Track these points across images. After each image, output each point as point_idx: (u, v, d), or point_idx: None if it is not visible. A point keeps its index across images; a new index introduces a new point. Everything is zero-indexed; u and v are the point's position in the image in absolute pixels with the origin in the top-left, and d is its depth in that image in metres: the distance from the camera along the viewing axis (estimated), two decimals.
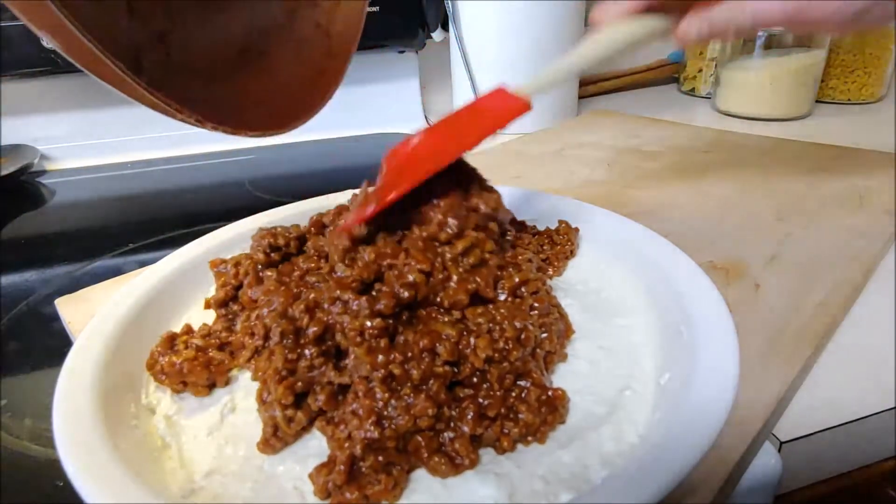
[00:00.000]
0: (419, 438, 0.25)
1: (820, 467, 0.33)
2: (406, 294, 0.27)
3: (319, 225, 0.37)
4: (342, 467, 0.23)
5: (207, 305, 0.35)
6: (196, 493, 0.24)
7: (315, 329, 0.27)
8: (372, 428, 0.24)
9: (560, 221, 0.40)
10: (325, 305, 0.28)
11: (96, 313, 0.31)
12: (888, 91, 0.88)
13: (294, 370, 0.27)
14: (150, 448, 0.26)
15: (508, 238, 0.36)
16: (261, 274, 0.34)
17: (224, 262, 0.36)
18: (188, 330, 0.32)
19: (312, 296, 0.29)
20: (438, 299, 0.29)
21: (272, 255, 0.35)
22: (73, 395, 0.26)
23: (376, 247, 0.30)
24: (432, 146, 0.33)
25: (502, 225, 0.35)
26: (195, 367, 0.29)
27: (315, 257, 0.35)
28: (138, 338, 0.31)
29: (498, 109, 0.34)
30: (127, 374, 0.29)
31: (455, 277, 0.29)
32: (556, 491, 0.23)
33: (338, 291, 0.28)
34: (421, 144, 0.33)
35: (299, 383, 0.26)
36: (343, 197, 0.44)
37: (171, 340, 0.31)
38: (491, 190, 0.35)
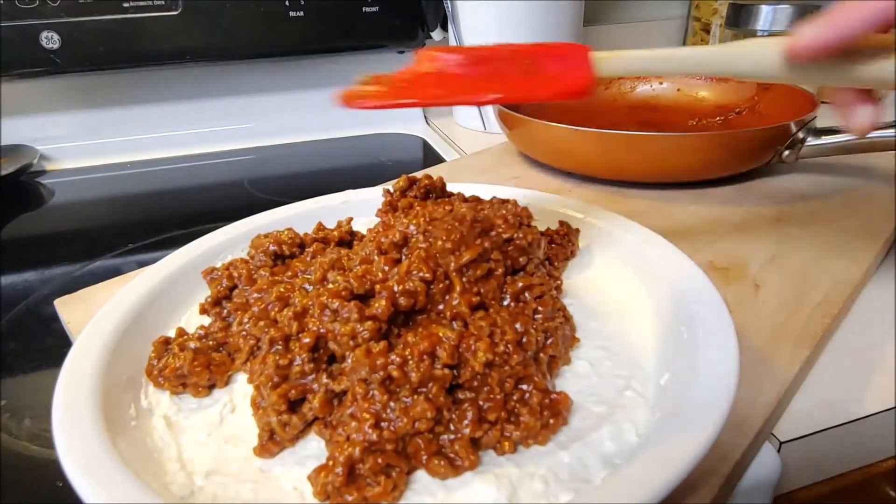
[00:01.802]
0: (418, 441, 0.25)
1: (819, 467, 0.33)
2: (404, 302, 0.27)
3: (322, 238, 0.38)
4: (340, 469, 0.23)
5: (203, 311, 0.34)
6: (195, 494, 0.24)
7: (308, 341, 0.27)
8: (370, 430, 0.24)
9: (560, 222, 0.40)
10: (315, 314, 0.28)
11: (95, 314, 0.31)
12: (887, 91, 0.88)
13: (286, 376, 0.27)
14: (150, 448, 0.26)
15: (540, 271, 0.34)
16: (254, 275, 0.34)
17: (215, 269, 0.36)
18: (181, 333, 0.32)
19: (299, 300, 0.29)
20: (440, 307, 0.29)
21: (275, 260, 0.36)
22: (72, 396, 0.26)
23: (369, 265, 0.30)
24: (472, 77, 0.29)
25: (527, 253, 0.34)
26: (196, 368, 0.29)
27: (308, 259, 0.35)
28: (137, 339, 0.31)
29: (559, 79, 0.29)
30: (126, 375, 0.29)
31: (458, 288, 0.29)
32: (556, 491, 0.23)
33: (327, 299, 0.27)
34: (463, 67, 0.29)
35: (293, 391, 0.26)
36: (341, 197, 0.44)
37: (164, 345, 0.31)
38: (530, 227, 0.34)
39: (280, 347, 0.27)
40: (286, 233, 0.37)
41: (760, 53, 0.28)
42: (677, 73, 0.31)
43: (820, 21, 0.27)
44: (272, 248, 0.36)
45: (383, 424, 0.24)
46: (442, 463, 0.24)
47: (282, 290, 0.30)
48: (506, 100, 0.29)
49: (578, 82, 0.29)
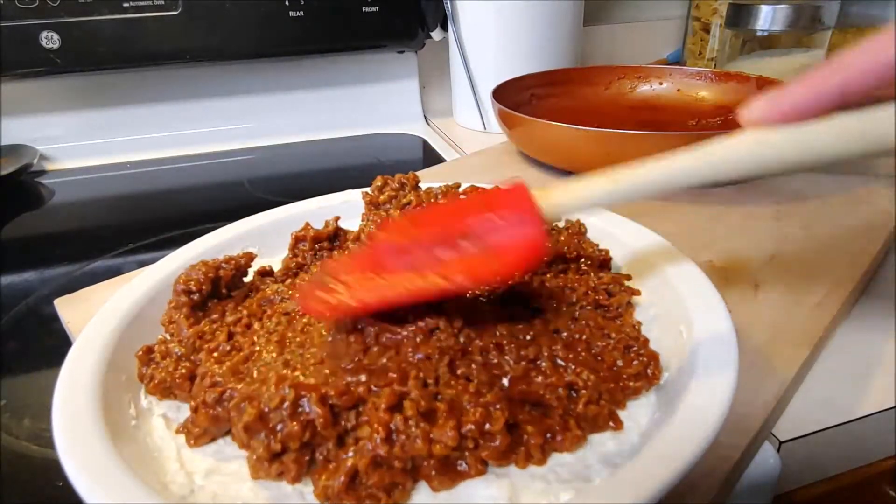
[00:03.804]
0: (429, 462, 0.24)
1: (819, 467, 0.33)
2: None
3: (313, 237, 0.37)
4: (343, 478, 0.23)
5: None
6: (195, 493, 0.24)
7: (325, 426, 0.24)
8: (381, 444, 0.23)
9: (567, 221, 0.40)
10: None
11: (95, 314, 0.31)
12: None
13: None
14: (150, 448, 0.26)
15: None
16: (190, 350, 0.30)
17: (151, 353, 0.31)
18: (163, 341, 0.31)
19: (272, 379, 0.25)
20: None
21: (194, 297, 0.32)
22: (72, 395, 0.26)
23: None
24: (433, 263, 0.27)
25: None
26: (178, 381, 0.28)
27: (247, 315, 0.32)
28: (137, 339, 0.31)
29: (516, 253, 0.26)
30: (126, 374, 0.29)
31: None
32: (557, 491, 0.23)
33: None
34: (417, 251, 0.27)
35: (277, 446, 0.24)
36: (341, 197, 0.44)
37: (147, 353, 0.30)
38: None
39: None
40: (199, 269, 0.33)
41: (735, 149, 0.23)
42: (640, 199, 0.26)
43: (797, 82, 0.21)
44: (193, 294, 0.32)
45: (395, 437, 0.23)
46: (447, 478, 0.24)
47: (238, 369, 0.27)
48: (466, 289, 0.27)
49: (535, 252, 0.26)
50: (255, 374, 0.27)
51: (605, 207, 0.27)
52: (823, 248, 0.43)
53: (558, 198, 0.27)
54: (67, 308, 0.40)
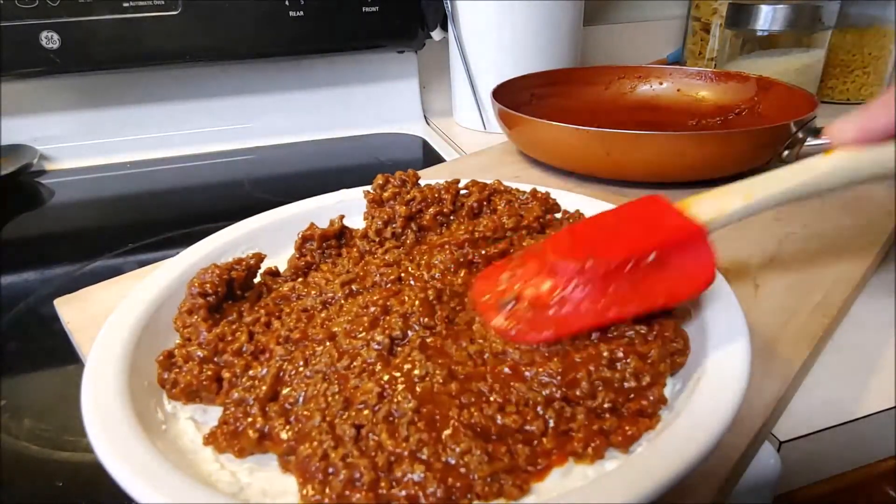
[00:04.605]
0: None
1: (819, 467, 0.33)
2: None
3: (316, 235, 0.37)
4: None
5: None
6: (244, 491, 0.24)
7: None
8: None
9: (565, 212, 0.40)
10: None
11: (99, 314, 0.31)
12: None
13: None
14: (185, 451, 0.26)
15: None
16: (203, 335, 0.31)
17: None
18: (183, 345, 0.31)
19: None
20: None
21: (210, 300, 0.32)
22: (103, 405, 0.25)
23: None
24: (614, 296, 0.28)
25: None
26: (203, 381, 0.28)
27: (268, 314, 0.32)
28: (152, 344, 0.30)
29: (692, 277, 0.29)
30: (147, 380, 0.29)
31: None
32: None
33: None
34: (596, 284, 0.28)
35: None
36: (337, 196, 0.44)
37: (169, 357, 0.29)
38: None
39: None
40: (212, 271, 0.33)
41: (833, 165, 0.29)
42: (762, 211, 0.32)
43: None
44: (209, 297, 0.32)
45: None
46: None
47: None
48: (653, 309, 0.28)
49: (708, 274, 0.29)
50: (301, 411, 0.26)
51: (737, 221, 0.30)
52: (823, 247, 0.43)
53: (705, 215, 0.30)
54: (67, 308, 0.40)
